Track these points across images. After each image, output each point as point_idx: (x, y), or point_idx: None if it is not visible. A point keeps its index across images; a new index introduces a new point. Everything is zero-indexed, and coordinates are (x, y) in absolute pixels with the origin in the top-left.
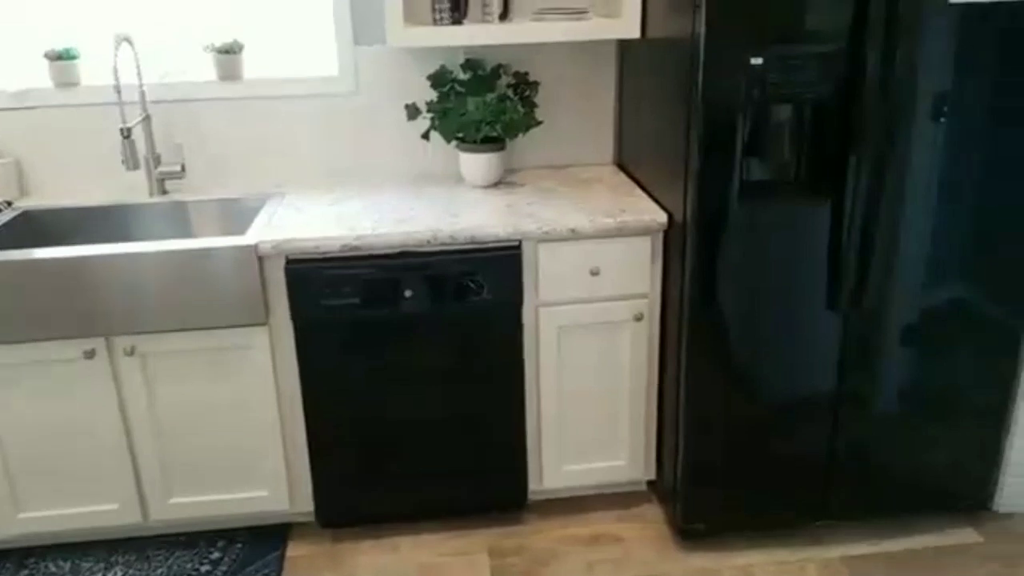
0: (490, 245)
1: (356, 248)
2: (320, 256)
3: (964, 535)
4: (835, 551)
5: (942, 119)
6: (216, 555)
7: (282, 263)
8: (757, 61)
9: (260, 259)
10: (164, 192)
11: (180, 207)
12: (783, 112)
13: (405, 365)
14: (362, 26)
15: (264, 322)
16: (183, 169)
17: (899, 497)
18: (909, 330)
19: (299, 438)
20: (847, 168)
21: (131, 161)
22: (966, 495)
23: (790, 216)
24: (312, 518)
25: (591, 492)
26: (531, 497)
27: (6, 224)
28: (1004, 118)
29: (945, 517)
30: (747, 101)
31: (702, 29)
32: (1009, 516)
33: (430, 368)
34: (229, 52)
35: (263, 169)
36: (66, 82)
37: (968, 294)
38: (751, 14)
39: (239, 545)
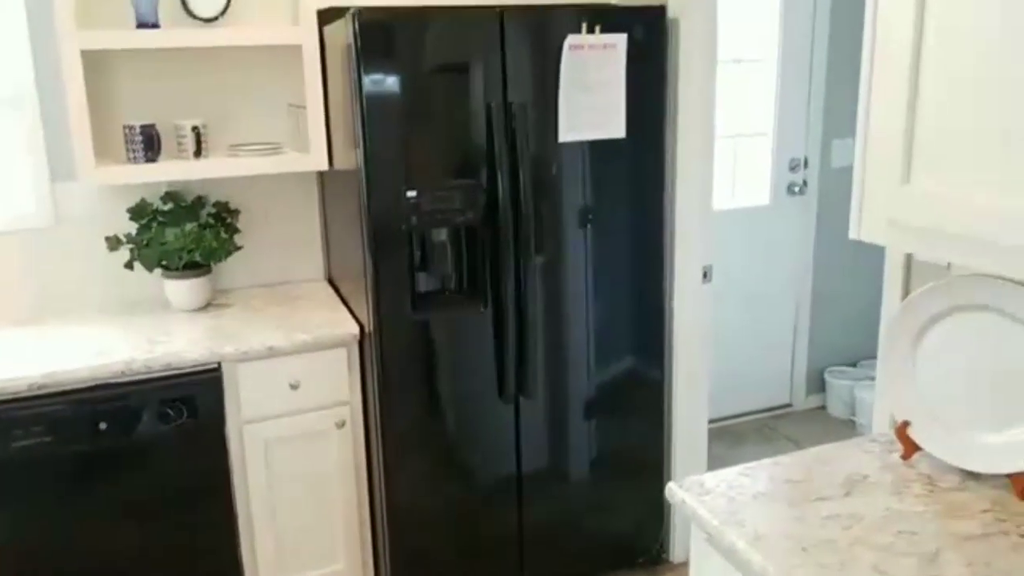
0: (188, 370)
1: (45, 386)
2: (8, 397)
3: None
4: None
5: (588, 225)
6: None
7: None
8: (412, 194)
9: None
10: None
11: None
12: (441, 234)
13: (106, 501)
14: (58, 162)
15: None
16: None
17: (585, 560)
18: (576, 407)
19: None
20: (500, 277)
21: None
22: (643, 550)
23: (458, 321)
24: None
25: None
26: None
27: None
28: (632, 218)
29: (628, 573)
30: (409, 225)
31: (363, 164)
32: (682, 564)
33: (134, 501)
34: None
35: None
36: None
37: (624, 365)
38: (402, 154)
39: None
